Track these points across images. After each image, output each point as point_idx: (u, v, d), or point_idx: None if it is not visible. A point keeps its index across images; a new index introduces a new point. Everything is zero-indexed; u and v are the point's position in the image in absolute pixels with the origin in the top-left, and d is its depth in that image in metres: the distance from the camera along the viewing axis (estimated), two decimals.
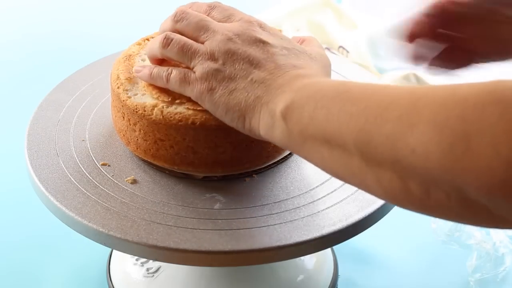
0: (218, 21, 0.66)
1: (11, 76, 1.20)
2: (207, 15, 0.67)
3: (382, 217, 0.67)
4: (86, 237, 0.64)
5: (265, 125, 0.59)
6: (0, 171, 1.00)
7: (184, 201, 0.66)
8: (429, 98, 0.48)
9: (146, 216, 0.64)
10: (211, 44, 0.63)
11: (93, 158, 0.71)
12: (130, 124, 0.69)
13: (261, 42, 0.63)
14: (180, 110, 0.66)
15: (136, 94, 0.69)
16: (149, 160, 0.70)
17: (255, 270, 0.79)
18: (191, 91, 0.64)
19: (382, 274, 0.87)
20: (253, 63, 0.61)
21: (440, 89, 0.48)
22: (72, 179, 0.68)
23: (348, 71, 0.84)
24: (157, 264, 0.80)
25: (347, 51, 1.11)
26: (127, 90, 0.69)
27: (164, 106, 0.67)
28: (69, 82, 0.81)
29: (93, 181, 0.68)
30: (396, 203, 0.52)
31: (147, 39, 0.76)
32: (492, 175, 0.44)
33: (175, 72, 0.65)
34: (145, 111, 0.67)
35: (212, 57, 0.63)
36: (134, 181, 0.68)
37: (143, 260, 0.80)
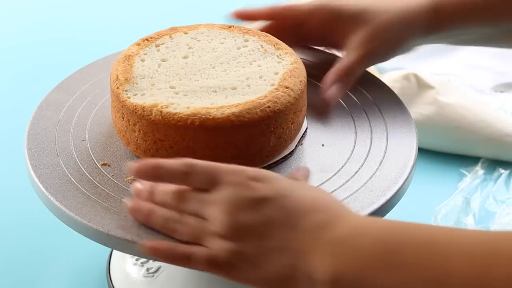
0: (201, 189, 0.60)
1: (11, 76, 1.19)
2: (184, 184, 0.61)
3: (382, 217, 0.67)
4: (86, 237, 0.64)
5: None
6: (0, 171, 1.00)
7: None
8: (500, 273, 0.45)
9: None
10: (215, 223, 0.58)
11: (93, 158, 0.71)
12: (129, 125, 0.69)
13: (262, 201, 0.57)
14: (180, 110, 0.66)
15: (135, 95, 0.69)
16: None
17: None
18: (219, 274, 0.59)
19: None
20: (265, 230, 0.56)
21: (504, 261, 0.45)
22: (72, 179, 0.68)
23: None
24: (157, 264, 0.80)
25: None
26: (126, 90, 0.69)
27: (163, 107, 0.67)
28: (69, 82, 0.81)
29: (93, 181, 0.68)
30: None
31: (147, 39, 0.76)
32: None
33: (196, 251, 0.59)
34: (144, 111, 0.67)
35: (222, 236, 0.57)
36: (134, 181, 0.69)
37: (143, 260, 0.80)
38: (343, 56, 0.78)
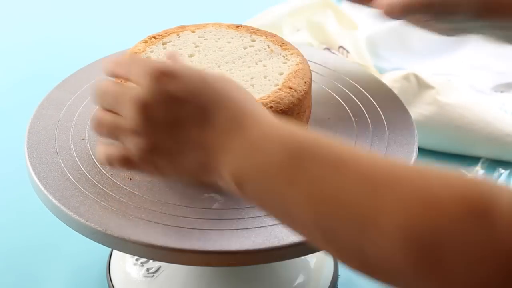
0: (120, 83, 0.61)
1: (12, 74, 1.19)
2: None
3: None
4: (85, 236, 0.64)
5: (224, 185, 0.55)
6: (0, 169, 1.00)
7: (182, 200, 0.66)
8: (395, 197, 0.45)
9: (144, 216, 0.64)
10: (128, 118, 0.57)
11: (92, 157, 0.71)
12: None
13: (174, 97, 0.56)
14: None
15: None
16: None
17: (255, 270, 0.79)
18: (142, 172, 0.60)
19: None
20: (178, 126, 0.56)
21: (408, 183, 0.45)
22: (71, 177, 0.68)
23: (348, 71, 0.84)
24: (157, 264, 0.80)
25: (347, 51, 1.11)
26: None
27: None
28: (70, 80, 0.81)
29: (92, 180, 0.68)
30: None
31: (154, 37, 0.76)
32: None
33: (113, 151, 0.60)
34: None
35: (136, 132, 0.57)
36: (130, 177, 0.69)
37: (143, 260, 0.80)
38: None
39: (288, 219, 0.52)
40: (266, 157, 0.52)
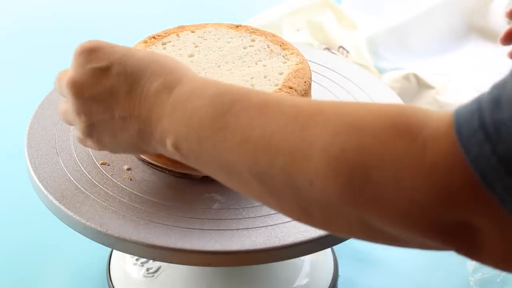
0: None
1: (11, 74, 1.20)
2: None
3: None
4: (85, 236, 0.64)
5: (165, 151, 0.56)
6: (0, 170, 1.00)
7: (183, 201, 0.66)
8: (320, 127, 0.45)
9: (144, 216, 0.64)
10: (68, 101, 0.60)
11: (93, 158, 0.71)
12: None
13: (102, 71, 0.58)
14: None
15: None
16: (166, 165, 0.69)
17: (255, 270, 0.79)
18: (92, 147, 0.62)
19: (382, 274, 0.87)
20: (110, 100, 0.57)
21: (331, 111, 0.46)
22: (72, 178, 0.68)
23: (348, 71, 0.84)
24: (157, 264, 0.80)
25: (347, 51, 1.11)
26: None
27: None
28: None
29: (93, 180, 0.68)
30: (301, 222, 0.51)
31: (153, 37, 0.76)
32: (395, 209, 0.42)
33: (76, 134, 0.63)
34: None
35: (76, 112, 0.59)
36: (131, 177, 0.69)
37: (143, 260, 0.80)
38: None
39: (224, 173, 0.52)
40: (196, 111, 0.52)
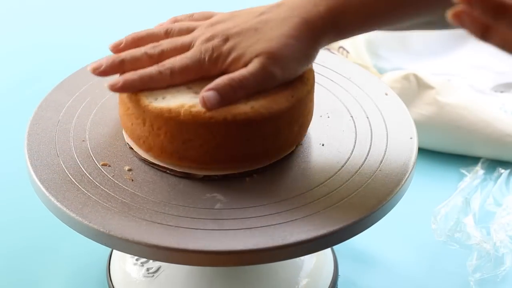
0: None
1: (11, 76, 1.19)
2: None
3: (382, 217, 0.68)
4: (87, 237, 0.64)
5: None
6: (0, 171, 1.00)
7: (184, 201, 0.66)
8: None
9: (146, 216, 0.64)
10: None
11: (94, 159, 0.71)
12: (153, 129, 0.68)
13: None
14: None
15: (156, 99, 0.68)
16: (171, 165, 0.69)
17: (255, 270, 0.79)
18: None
19: (382, 274, 0.87)
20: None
21: None
22: (73, 179, 0.68)
23: (348, 71, 0.84)
24: (157, 264, 0.80)
25: (347, 51, 1.11)
26: (146, 95, 0.69)
27: (191, 106, 0.66)
28: (69, 82, 0.81)
29: (94, 181, 0.68)
30: None
31: None
32: None
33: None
34: (171, 113, 0.66)
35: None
36: (132, 178, 0.69)
37: (143, 260, 0.80)
38: None
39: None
40: None
